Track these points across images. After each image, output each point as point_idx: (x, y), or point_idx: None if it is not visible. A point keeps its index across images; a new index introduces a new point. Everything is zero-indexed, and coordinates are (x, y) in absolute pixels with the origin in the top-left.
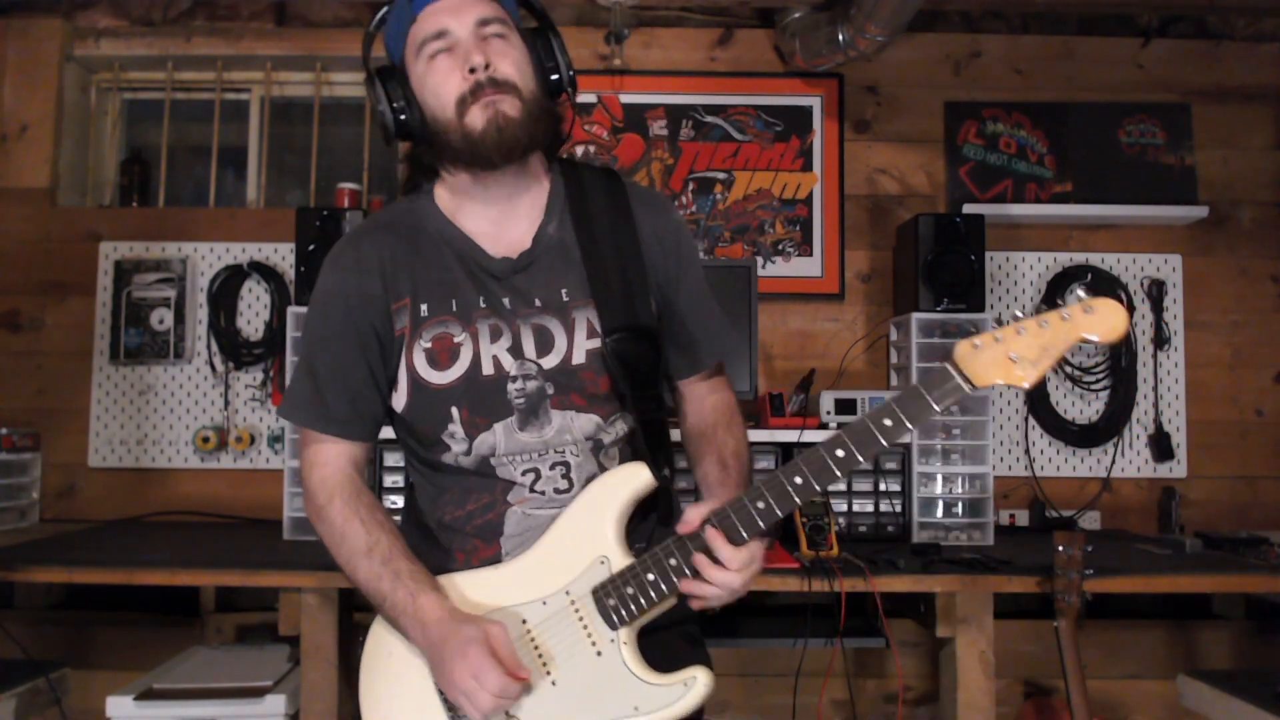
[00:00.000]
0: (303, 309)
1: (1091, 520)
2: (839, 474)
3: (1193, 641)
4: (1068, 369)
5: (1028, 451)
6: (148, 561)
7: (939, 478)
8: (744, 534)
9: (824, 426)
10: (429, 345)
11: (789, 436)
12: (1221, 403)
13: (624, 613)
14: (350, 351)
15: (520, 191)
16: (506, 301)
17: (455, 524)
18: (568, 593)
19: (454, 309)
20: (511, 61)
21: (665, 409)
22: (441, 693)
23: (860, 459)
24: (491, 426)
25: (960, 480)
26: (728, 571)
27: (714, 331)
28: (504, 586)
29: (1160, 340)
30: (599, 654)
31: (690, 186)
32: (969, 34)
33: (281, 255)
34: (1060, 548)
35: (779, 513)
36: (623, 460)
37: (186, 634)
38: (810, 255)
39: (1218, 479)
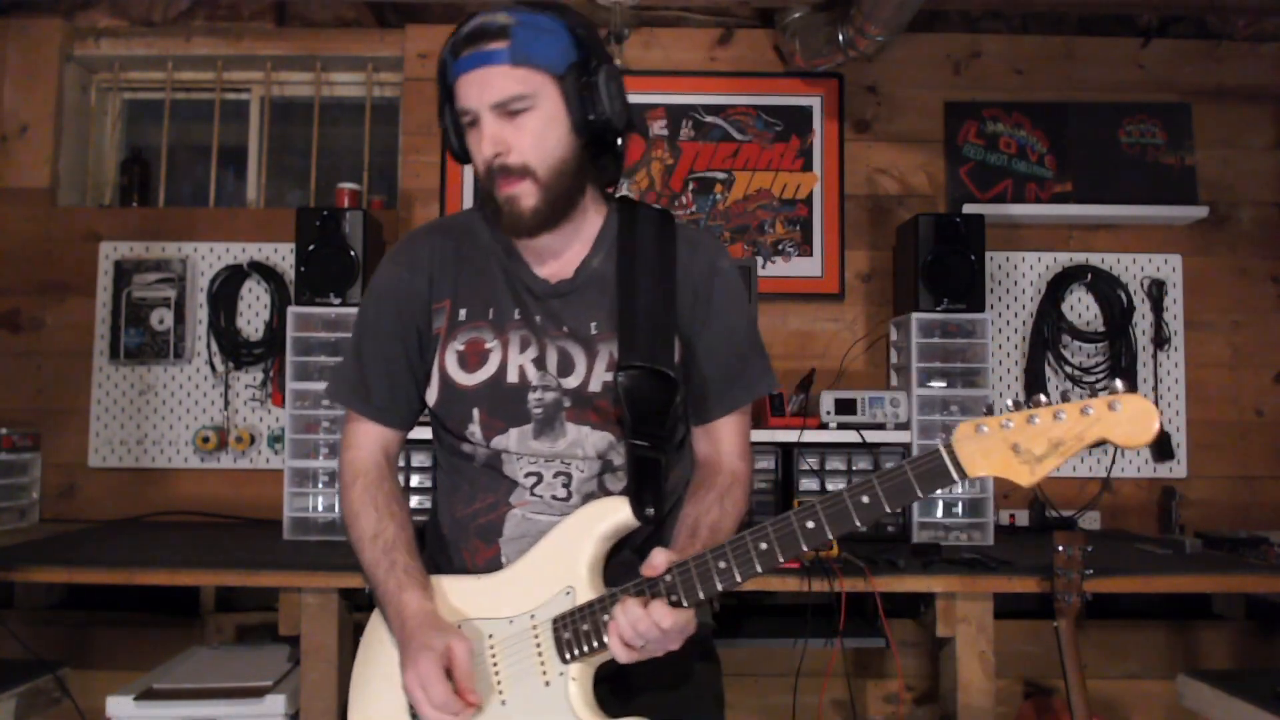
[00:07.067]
0: (302, 309)
1: (1091, 520)
2: (805, 546)
3: (1193, 641)
4: (1068, 369)
5: None
6: (148, 561)
7: None
8: (700, 594)
9: (824, 426)
10: (461, 348)
11: (789, 436)
12: (1221, 403)
13: (575, 648)
14: (394, 344)
15: (566, 236)
16: (539, 319)
17: (463, 521)
18: (532, 617)
19: (490, 317)
20: (528, 142)
21: (668, 450)
22: None
23: (829, 534)
24: (507, 431)
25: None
26: (659, 632)
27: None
28: (481, 598)
29: (1160, 340)
30: (547, 684)
31: (690, 186)
32: (969, 34)
33: (281, 255)
34: (1060, 548)
35: (738, 577)
36: (626, 490)
37: (186, 634)
38: (810, 255)
39: (1218, 479)
